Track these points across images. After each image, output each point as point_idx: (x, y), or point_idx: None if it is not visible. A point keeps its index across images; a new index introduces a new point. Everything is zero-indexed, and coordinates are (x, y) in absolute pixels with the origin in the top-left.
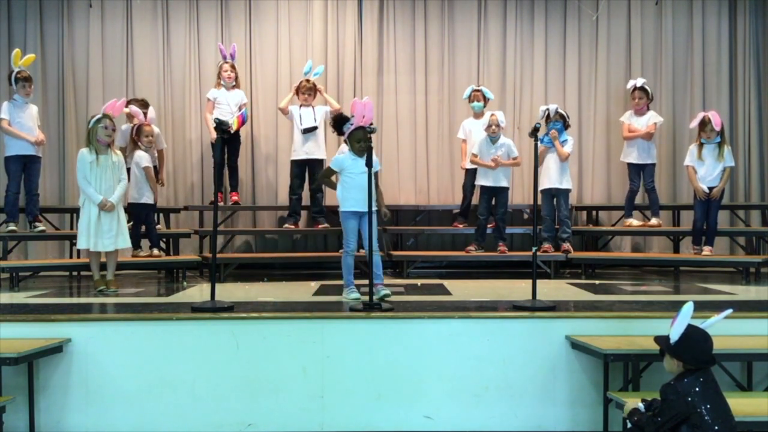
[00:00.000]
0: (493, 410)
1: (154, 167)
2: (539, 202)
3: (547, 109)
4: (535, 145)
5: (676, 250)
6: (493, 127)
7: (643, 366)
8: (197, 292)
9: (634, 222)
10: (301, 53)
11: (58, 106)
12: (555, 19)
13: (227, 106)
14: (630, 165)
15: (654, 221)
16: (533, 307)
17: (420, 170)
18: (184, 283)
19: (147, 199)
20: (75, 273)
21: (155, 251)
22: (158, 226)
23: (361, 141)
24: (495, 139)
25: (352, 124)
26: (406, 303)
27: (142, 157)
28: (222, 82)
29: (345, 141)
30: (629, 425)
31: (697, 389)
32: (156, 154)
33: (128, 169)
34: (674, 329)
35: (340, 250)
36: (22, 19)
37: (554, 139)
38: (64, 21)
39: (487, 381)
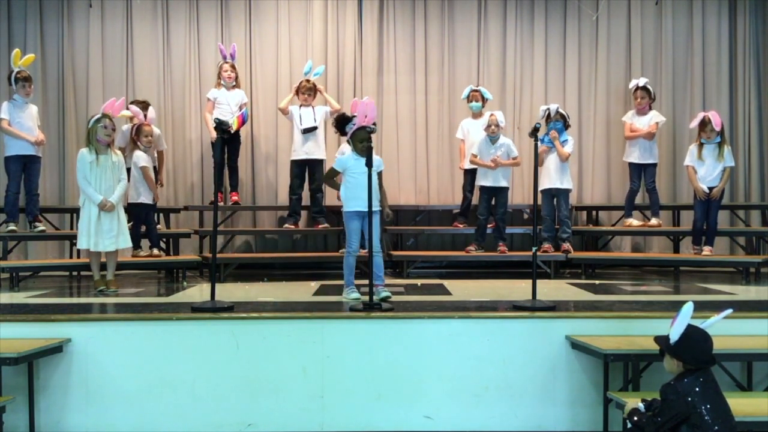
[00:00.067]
0: (493, 410)
1: (154, 167)
2: (539, 202)
3: (548, 109)
4: (535, 145)
5: (676, 250)
6: (493, 127)
7: (643, 366)
8: (197, 292)
9: (634, 222)
10: (301, 53)
11: (58, 106)
12: (555, 19)
13: (227, 106)
14: (631, 165)
15: (654, 221)
16: (533, 307)
17: (420, 170)
18: (184, 283)
19: (144, 199)
20: (75, 273)
21: (155, 251)
22: (158, 226)
23: (363, 141)
24: (494, 139)
25: (354, 124)
26: (406, 303)
27: (139, 157)
28: (222, 82)
29: (348, 141)
30: (629, 425)
31: (697, 389)
32: (156, 155)
33: (128, 169)
34: (674, 329)
35: (341, 250)
36: (22, 19)
37: (554, 139)
38: (64, 21)
39: (487, 381)
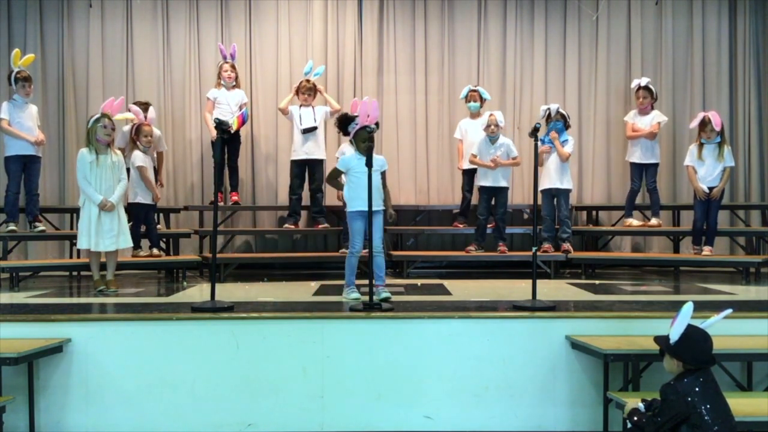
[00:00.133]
0: (493, 410)
1: (154, 168)
2: (539, 202)
3: (548, 109)
4: (535, 145)
5: (676, 250)
6: (492, 127)
7: (643, 366)
8: (197, 292)
9: (634, 222)
10: (301, 53)
11: (58, 106)
12: (555, 19)
13: (227, 106)
14: (632, 164)
15: (654, 221)
16: (533, 307)
17: (420, 170)
18: (184, 283)
19: (142, 198)
20: (75, 273)
21: (155, 251)
22: (158, 226)
23: (366, 141)
24: (494, 139)
25: (357, 124)
26: (406, 303)
27: (136, 157)
28: (222, 82)
29: (350, 141)
30: (629, 425)
31: (697, 389)
32: (155, 156)
33: (128, 169)
34: (674, 329)
35: (341, 250)
36: (22, 19)
37: (554, 140)
38: (64, 21)
39: (487, 381)
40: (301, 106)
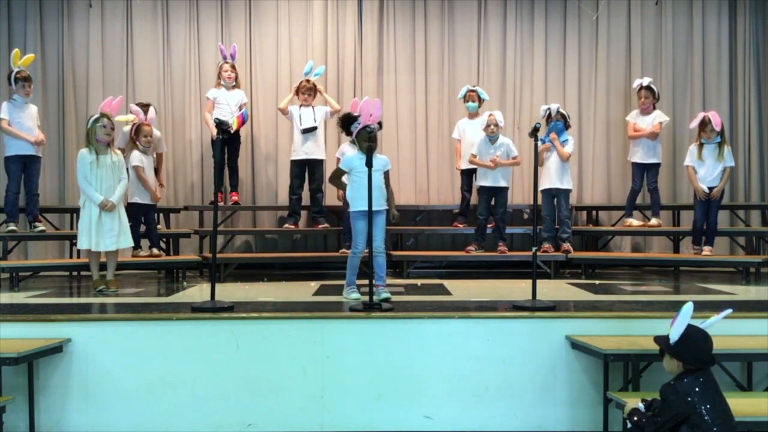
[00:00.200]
0: (493, 410)
1: (155, 169)
2: (539, 202)
3: (548, 109)
4: (535, 145)
5: (676, 250)
6: (492, 126)
7: (643, 366)
8: (197, 292)
9: (634, 222)
10: (301, 53)
11: (58, 106)
12: (555, 19)
13: (227, 106)
14: (634, 164)
15: (654, 221)
16: (533, 307)
17: (420, 170)
18: (184, 283)
19: (138, 198)
20: (75, 273)
21: (155, 251)
22: (158, 226)
23: (367, 140)
24: (494, 138)
25: (359, 123)
26: (406, 303)
27: (133, 157)
28: (222, 82)
29: (353, 141)
30: (629, 425)
31: (697, 389)
32: (155, 156)
33: (128, 169)
34: (674, 329)
35: (341, 250)
36: (22, 19)
37: (554, 140)
38: (64, 21)
39: (487, 381)
40: (301, 106)
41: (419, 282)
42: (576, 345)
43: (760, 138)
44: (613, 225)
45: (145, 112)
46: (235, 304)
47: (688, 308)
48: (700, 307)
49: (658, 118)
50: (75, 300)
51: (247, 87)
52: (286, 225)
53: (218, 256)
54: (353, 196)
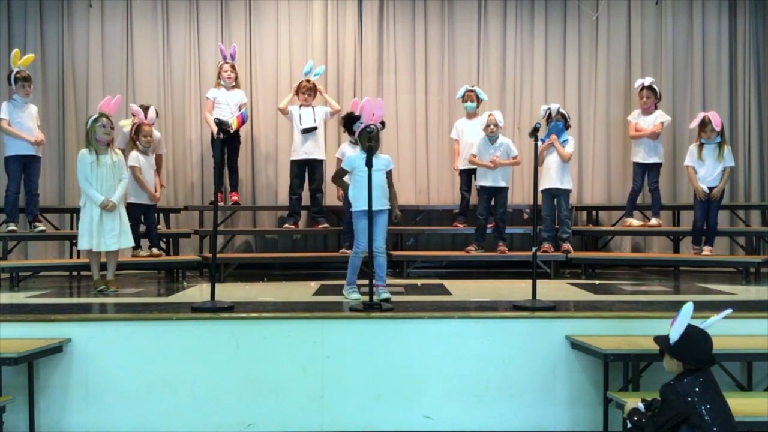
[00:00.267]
0: (493, 410)
1: (155, 170)
2: (539, 202)
3: (549, 109)
4: (535, 145)
5: (676, 250)
6: (492, 126)
7: (643, 366)
8: (197, 292)
9: (634, 222)
10: (301, 53)
11: (58, 106)
12: (555, 19)
13: (227, 105)
14: (635, 164)
15: (654, 221)
16: (533, 307)
17: (420, 170)
18: (184, 283)
19: (135, 198)
20: (75, 273)
21: (155, 251)
22: (158, 227)
23: (374, 140)
24: (493, 138)
25: (362, 123)
26: (406, 303)
27: (130, 157)
28: (222, 82)
29: (351, 141)
30: (629, 425)
31: (697, 389)
32: (154, 157)
33: None
34: (674, 329)
35: (341, 250)
36: (22, 19)
37: (554, 141)
38: (64, 21)
39: (487, 381)
40: (301, 106)
41: (419, 282)
42: (576, 345)
43: (760, 138)
44: (613, 225)
45: (146, 113)
46: (235, 304)
47: (688, 308)
48: (700, 307)
49: (659, 117)
50: (75, 300)
51: (247, 87)
52: (286, 225)
53: (218, 256)
54: (355, 195)
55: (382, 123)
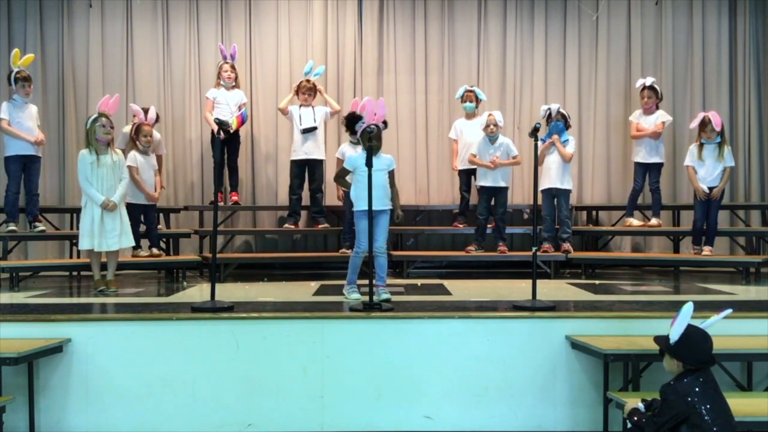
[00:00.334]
0: (493, 410)
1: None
2: (539, 202)
3: (549, 109)
4: (535, 146)
5: (676, 250)
6: (491, 126)
7: (643, 366)
8: (197, 292)
9: (635, 222)
10: (301, 53)
11: (58, 106)
12: (555, 19)
13: (227, 105)
14: (636, 164)
15: (654, 221)
16: (533, 307)
17: (420, 170)
18: (184, 283)
19: (132, 199)
20: (75, 273)
21: (155, 251)
22: (159, 227)
23: (374, 140)
24: (493, 138)
25: (364, 123)
26: (406, 303)
27: (128, 157)
28: (222, 82)
29: (353, 142)
30: (629, 425)
31: (697, 389)
32: (155, 157)
33: None
34: (674, 329)
35: (341, 250)
36: (22, 19)
37: (556, 142)
38: (64, 21)
39: (487, 381)
40: (301, 106)
41: (419, 282)
42: (576, 345)
43: (760, 138)
44: (613, 225)
45: (146, 114)
46: (235, 304)
47: (688, 308)
48: (700, 307)
49: (661, 117)
50: (75, 300)
51: (247, 87)
52: (286, 225)
53: (218, 256)
54: (357, 195)
55: (385, 123)
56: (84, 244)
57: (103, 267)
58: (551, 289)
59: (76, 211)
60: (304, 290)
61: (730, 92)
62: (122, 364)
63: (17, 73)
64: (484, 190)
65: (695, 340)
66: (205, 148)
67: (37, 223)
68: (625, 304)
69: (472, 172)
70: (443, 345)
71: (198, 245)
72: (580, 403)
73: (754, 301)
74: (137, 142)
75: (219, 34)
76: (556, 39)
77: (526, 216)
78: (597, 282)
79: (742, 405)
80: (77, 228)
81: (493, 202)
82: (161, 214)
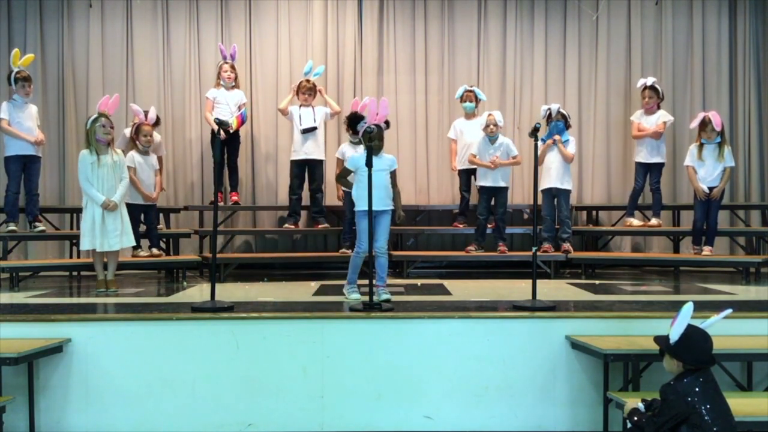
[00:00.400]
0: (493, 410)
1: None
2: (539, 202)
3: (549, 109)
4: (535, 145)
5: (676, 250)
6: (491, 126)
7: (643, 366)
8: (197, 292)
9: (635, 222)
10: (301, 53)
11: (58, 106)
12: (555, 19)
13: (226, 106)
14: (638, 164)
15: (654, 221)
16: (533, 307)
17: (420, 170)
18: (184, 283)
19: (130, 199)
20: (75, 273)
21: (155, 251)
22: (159, 227)
23: (374, 140)
24: (493, 138)
25: (365, 123)
26: (406, 303)
27: (127, 157)
28: (222, 82)
29: (356, 141)
30: (629, 425)
31: (697, 389)
32: (156, 158)
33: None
34: (674, 329)
35: (341, 250)
36: (22, 19)
37: (558, 142)
38: (64, 21)
39: (487, 381)
40: (300, 106)
41: (419, 282)
42: (576, 345)
43: (760, 138)
44: (613, 225)
45: (146, 114)
46: (235, 304)
47: (688, 308)
48: (700, 307)
49: (662, 117)
50: (75, 300)
51: (247, 87)
52: (286, 225)
53: (218, 256)
54: (358, 195)
55: (387, 122)
56: (85, 245)
57: (104, 267)
58: (551, 289)
59: (76, 211)
60: (304, 290)
61: (730, 92)
62: (122, 364)
63: (17, 73)
64: (484, 190)
65: (695, 340)
66: (205, 148)
67: (37, 223)
68: (625, 304)
69: (472, 172)
70: (443, 345)
71: (198, 245)
72: (580, 403)
73: (754, 301)
74: (137, 142)
75: (219, 34)
76: (556, 39)
77: (526, 216)
78: (597, 282)
79: (742, 405)
80: (77, 228)
81: (493, 202)
82: (161, 214)
